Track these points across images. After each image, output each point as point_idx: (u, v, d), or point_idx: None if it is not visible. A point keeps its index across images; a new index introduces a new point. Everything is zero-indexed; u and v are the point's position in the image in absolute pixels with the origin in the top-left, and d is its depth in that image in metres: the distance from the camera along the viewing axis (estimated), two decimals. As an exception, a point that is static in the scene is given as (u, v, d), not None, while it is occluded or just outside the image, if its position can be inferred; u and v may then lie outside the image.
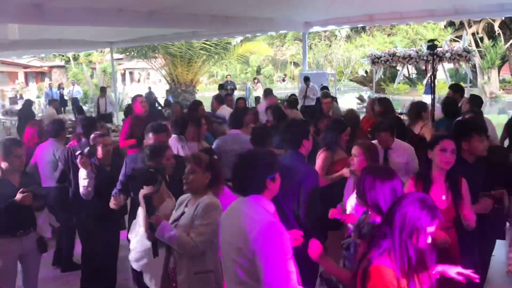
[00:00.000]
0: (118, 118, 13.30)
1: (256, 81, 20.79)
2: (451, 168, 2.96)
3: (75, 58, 31.29)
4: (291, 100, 8.28)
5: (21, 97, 22.13)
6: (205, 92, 28.21)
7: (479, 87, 23.55)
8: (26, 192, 3.32)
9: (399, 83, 21.82)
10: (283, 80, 37.98)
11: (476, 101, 5.82)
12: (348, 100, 20.44)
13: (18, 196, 3.31)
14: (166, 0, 6.53)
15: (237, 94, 17.36)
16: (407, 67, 22.10)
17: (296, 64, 35.89)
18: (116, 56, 16.78)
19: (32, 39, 10.46)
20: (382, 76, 22.35)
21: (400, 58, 15.20)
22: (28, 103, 12.72)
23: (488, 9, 8.29)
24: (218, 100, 8.34)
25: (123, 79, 34.59)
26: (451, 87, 6.90)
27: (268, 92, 9.01)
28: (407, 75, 26.64)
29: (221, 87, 12.73)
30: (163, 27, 9.54)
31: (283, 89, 29.80)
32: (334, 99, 9.28)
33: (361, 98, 18.04)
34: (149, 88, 18.77)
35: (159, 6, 6.87)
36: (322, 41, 31.66)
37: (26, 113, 11.86)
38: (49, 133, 5.05)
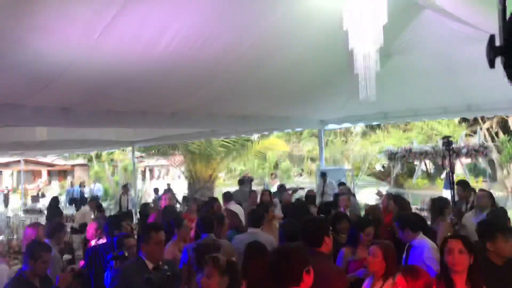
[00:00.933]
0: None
1: (273, 176, 20.93)
2: (475, 271, 2.81)
3: (98, 157, 32.18)
4: (309, 196, 8.24)
5: (43, 196, 22.53)
6: (223, 188, 28.34)
7: (499, 181, 23.22)
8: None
9: (418, 178, 21.69)
10: (301, 175, 38.16)
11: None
12: (367, 195, 20.25)
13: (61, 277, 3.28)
14: (187, 103, 6.83)
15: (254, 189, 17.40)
16: (425, 162, 22.08)
17: (313, 159, 36.21)
18: (137, 154, 17.26)
19: (58, 139, 10.90)
20: (400, 171, 22.31)
21: (416, 154, 15.27)
22: (55, 201, 12.86)
23: (500, 106, 8.45)
24: (225, 197, 8.20)
25: (143, 176, 35.17)
26: (458, 183, 6.87)
27: (282, 189, 8.94)
28: (425, 170, 26.53)
29: (241, 182, 12.78)
30: (184, 128, 9.89)
31: (301, 184, 29.77)
32: (352, 195, 9.23)
33: (379, 194, 17.91)
34: (168, 184, 18.98)
35: (181, 108, 7.18)
36: (338, 137, 32.21)
37: (53, 211, 11.98)
38: (46, 233, 4.92)
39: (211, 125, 9.49)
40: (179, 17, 3.96)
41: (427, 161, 22.64)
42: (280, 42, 5.13)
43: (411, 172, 22.35)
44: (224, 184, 31.82)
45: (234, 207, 7.19)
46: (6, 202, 21.83)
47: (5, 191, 23.27)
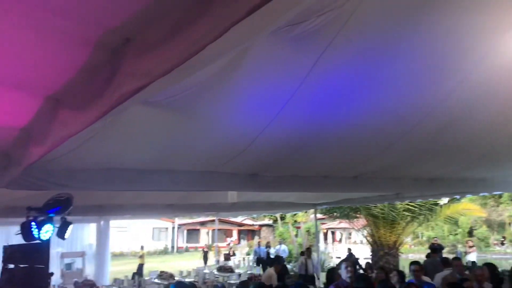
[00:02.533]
0: (321, 279, 13.25)
1: (469, 244, 18.82)
2: None
3: (282, 218, 33.51)
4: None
5: (234, 254, 24.09)
6: (409, 254, 26.56)
7: None
8: None
9: None
10: (502, 244, 33.47)
11: None
12: None
13: None
14: (369, 166, 6.71)
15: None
16: None
17: (517, 226, 31.67)
18: (319, 216, 17.40)
19: (247, 202, 11.70)
20: None
21: None
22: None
23: None
24: (418, 266, 7.46)
25: (325, 239, 35.18)
26: None
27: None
28: None
29: (433, 250, 11.64)
30: (366, 191, 9.68)
31: (503, 254, 26.11)
32: None
33: None
34: (349, 249, 18.57)
35: (363, 171, 7.08)
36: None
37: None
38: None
39: (395, 189, 9.09)
40: (359, 83, 3.99)
41: None
42: (474, 98, 4.73)
43: None
44: (410, 250, 29.80)
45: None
46: (205, 259, 23.93)
47: (206, 249, 25.61)
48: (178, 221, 38.84)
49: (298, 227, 33.71)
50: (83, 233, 15.46)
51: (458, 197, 12.97)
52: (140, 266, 20.44)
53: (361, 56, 3.61)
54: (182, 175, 5.81)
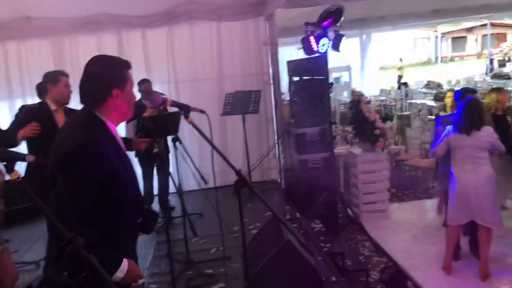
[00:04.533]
0: None
1: None
2: None
3: None
4: None
5: (509, 60, 21.65)
6: None
7: None
8: None
9: None
10: None
11: None
12: None
13: None
14: None
15: None
16: None
17: None
18: None
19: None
20: None
21: None
22: None
23: None
24: None
25: None
26: None
27: None
28: None
29: None
30: None
31: None
32: None
33: None
34: None
35: None
36: None
37: None
38: None
39: None
40: None
41: None
42: None
43: None
44: None
45: None
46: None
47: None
48: (441, 29, 36.21)
49: None
50: (347, 48, 16.07)
51: None
52: (399, 78, 20.78)
53: None
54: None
